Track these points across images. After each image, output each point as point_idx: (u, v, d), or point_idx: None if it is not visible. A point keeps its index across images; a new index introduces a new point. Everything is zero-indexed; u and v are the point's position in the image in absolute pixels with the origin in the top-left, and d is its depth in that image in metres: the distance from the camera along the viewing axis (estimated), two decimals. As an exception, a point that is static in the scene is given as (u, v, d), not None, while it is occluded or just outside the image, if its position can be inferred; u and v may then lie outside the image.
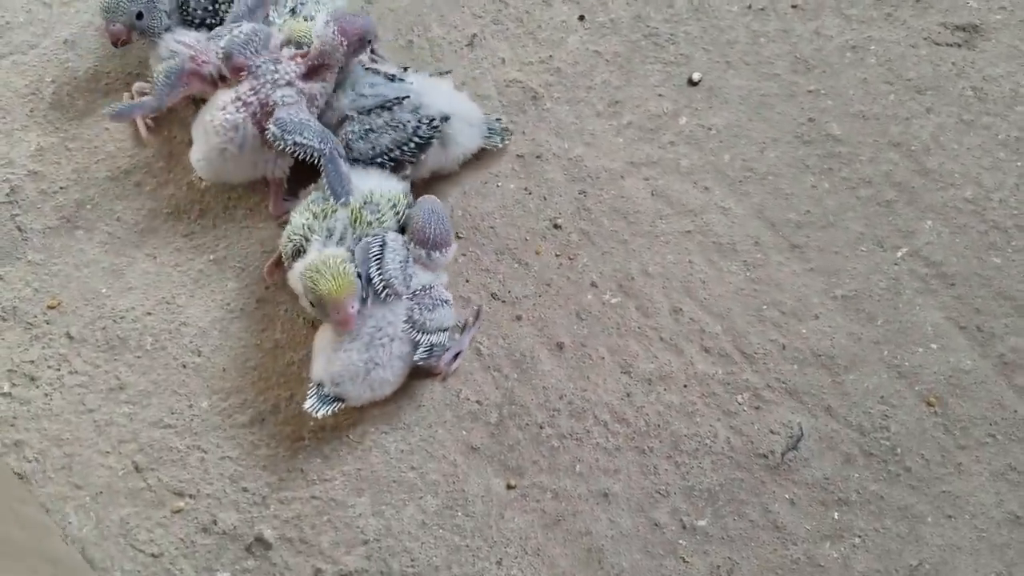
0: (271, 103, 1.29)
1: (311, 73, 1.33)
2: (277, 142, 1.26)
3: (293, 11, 1.44)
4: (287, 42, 1.36)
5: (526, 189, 1.49)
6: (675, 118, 1.57)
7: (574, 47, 1.63)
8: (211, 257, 1.40)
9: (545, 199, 1.49)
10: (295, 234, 1.24)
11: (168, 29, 1.42)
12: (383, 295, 1.19)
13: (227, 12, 1.42)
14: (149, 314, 1.35)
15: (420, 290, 1.24)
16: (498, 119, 1.52)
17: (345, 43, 1.31)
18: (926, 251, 1.45)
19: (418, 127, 1.37)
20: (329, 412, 1.20)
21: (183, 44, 1.39)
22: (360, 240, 1.23)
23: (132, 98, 1.50)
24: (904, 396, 1.34)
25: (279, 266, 1.33)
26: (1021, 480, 1.28)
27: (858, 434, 1.31)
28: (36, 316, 1.35)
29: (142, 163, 1.48)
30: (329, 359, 1.19)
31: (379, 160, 1.37)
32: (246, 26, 1.34)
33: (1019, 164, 1.53)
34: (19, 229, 1.42)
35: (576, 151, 1.52)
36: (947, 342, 1.38)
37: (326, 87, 1.34)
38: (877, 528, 1.25)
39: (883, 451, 1.30)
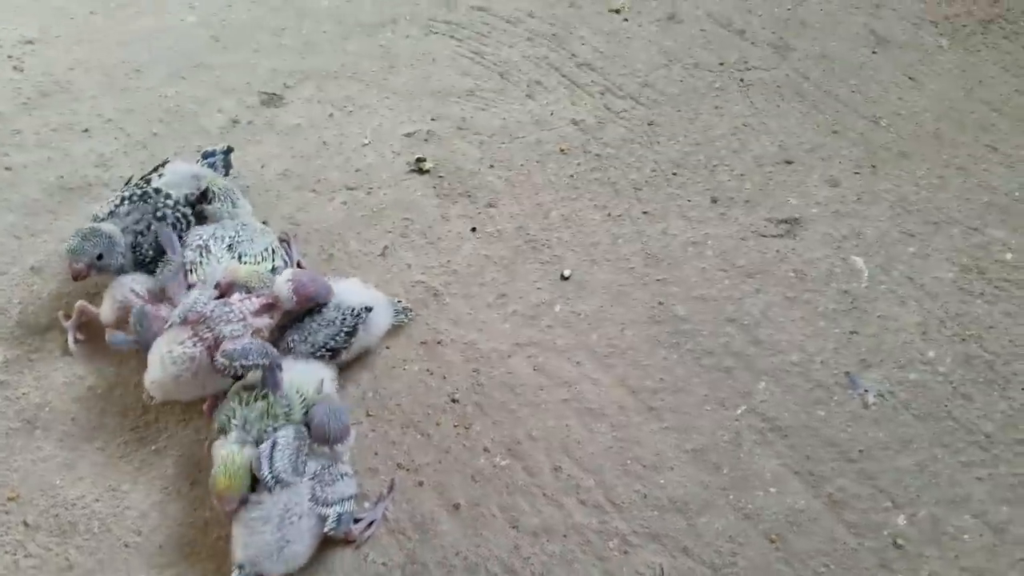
0: (221, 337, 1.56)
1: (261, 311, 1.62)
2: (226, 369, 1.53)
3: (230, 247, 1.73)
4: (231, 283, 1.62)
5: (428, 370, 1.78)
6: (551, 306, 1.89)
7: (468, 252, 1.97)
8: (153, 447, 1.63)
9: (444, 378, 1.77)
10: (223, 413, 1.50)
11: (122, 269, 1.70)
12: (274, 487, 1.42)
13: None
14: (97, 500, 1.55)
15: (320, 469, 1.47)
16: (399, 301, 1.84)
17: (296, 301, 1.62)
18: (761, 408, 1.75)
19: (344, 319, 1.67)
20: None
21: (134, 294, 1.65)
22: (269, 430, 1.48)
23: (66, 319, 1.75)
24: (749, 535, 1.58)
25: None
26: (853, 602, 1.51)
27: (711, 571, 1.54)
28: (-2, 507, 1.55)
29: (94, 370, 1.73)
30: (246, 543, 1.39)
31: (318, 353, 1.65)
32: (194, 294, 1.60)
33: (836, 331, 1.87)
34: None
35: (471, 336, 1.83)
36: (783, 486, 1.64)
37: (270, 323, 1.64)
38: (732, 651, 1.45)
39: (734, 583, 1.52)
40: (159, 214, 1.72)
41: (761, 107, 2.33)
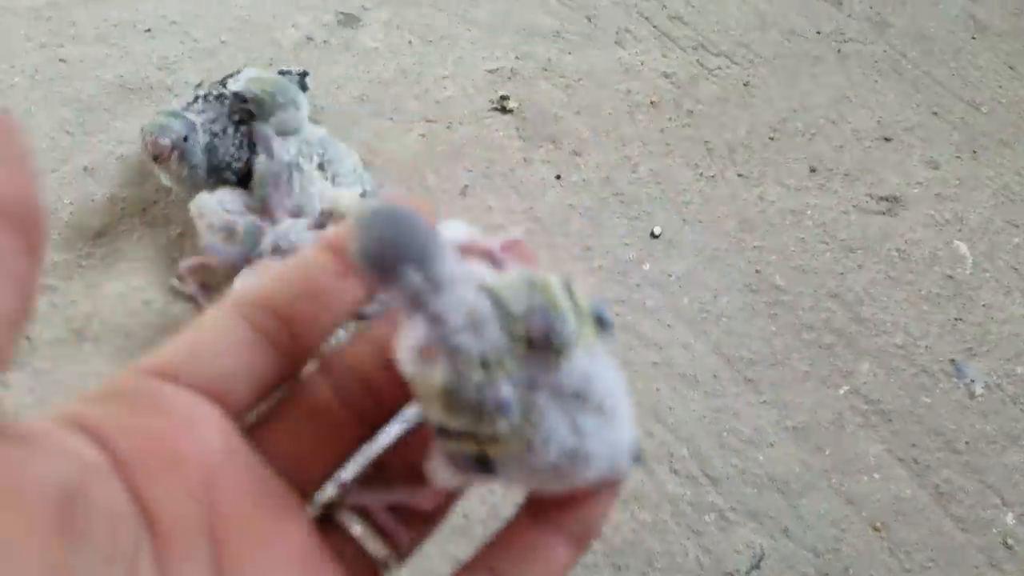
0: None
1: None
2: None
3: (321, 166, 1.55)
4: (331, 213, 1.45)
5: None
6: (640, 264, 1.75)
7: (552, 201, 1.83)
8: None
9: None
10: None
11: (196, 172, 1.50)
12: None
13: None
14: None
15: None
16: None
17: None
18: (865, 389, 1.62)
19: None
20: None
21: (232, 213, 1.46)
22: None
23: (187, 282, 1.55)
24: (852, 521, 1.46)
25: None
26: (962, 602, 1.39)
27: (813, 555, 1.42)
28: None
29: (153, 281, 1.58)
30: None
31: None
32: (287, 222, 1.44)
33: (940, 316, 1.74)
34: (27, 339, 1.48)
35: (554, 289, 1.69)
36: (888, 472, 1.52)
37: None
38: (835, 645, 1.33)
39: (836, 571, 1.40)
40: (234, 117, 1.55)
41: (858, 80, 2.19)
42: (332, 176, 1.54)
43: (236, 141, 1.53)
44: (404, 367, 0.34)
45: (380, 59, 1.99)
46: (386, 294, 0.34)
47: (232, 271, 1.45)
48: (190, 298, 1.54)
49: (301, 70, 1.77)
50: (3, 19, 1.87)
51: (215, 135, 1.51)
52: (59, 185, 1.63)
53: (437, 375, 0.33)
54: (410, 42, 2.04)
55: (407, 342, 0.34)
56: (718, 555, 1.40)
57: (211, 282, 1.54)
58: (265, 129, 1.51)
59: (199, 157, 1.50)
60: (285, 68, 1.77)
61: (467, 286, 0.35)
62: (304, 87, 1.75)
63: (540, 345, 0.34)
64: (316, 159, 1.53)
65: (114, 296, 1.55)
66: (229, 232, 1.47)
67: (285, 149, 1.51)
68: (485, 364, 0.33)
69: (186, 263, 1.52)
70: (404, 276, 0.33)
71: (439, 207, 1.77)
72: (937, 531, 1.47)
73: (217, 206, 1.49)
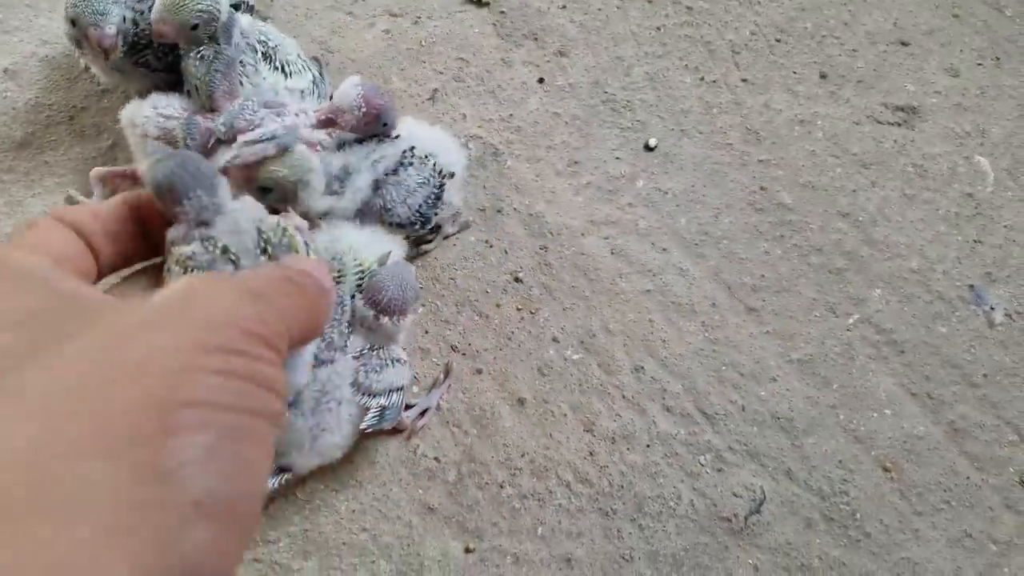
0: None
1: (320, 124, 1.26)
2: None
3: (265, 56, 1.35)
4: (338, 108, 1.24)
5: (487, 242, 1.46)
6: (633, 180, 1.58)
7: (534, 107, 1.63)
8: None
9: (506, 252, 1.46)
10: None
11: (126, 57, 1.30)
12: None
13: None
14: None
15: (367, 349, 1.16)
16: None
17: (362, 112, 1.23)
18: (876, 319, 1.47)
19: (431, 177, 1.32)
20: (275, 485, 1.10)
21: (168, 116, 1.27)
22: None
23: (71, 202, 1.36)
24: (861, 461, 1.33)
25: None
26: (976, 547, 1.28)
27: (818, 498, 1.29)
28: None
29: (83, 191, 1.39)
30: None
31: (412, 220, 1.30)
32: (238, 101, 1.25)
33: (959, 238, 1.59)
34: None
35: (537, 207, 1.51)
36: (900, 408, 1.39)
37: (328, 140, 1.28)
38: (840, 595, 1.22)
39: (843, 516, 1.28)
40: None
41: (874, -23, 1.98)
42: (280, 65, 1.33)
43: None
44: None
45: (340, -55, 1.75)
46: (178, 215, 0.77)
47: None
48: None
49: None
50: None
51: (139, 13, 1.29)
52: (-28, 88, 1.42)
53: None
54: (375, -74, 1.80)
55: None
56: (714, 499, 1.27)
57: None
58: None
59: (128, 39, 1.28)
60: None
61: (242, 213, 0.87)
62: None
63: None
64: (259, 48, 1.31)
65: (39, 214, 1.35)
66: (168, 140, 1.27)
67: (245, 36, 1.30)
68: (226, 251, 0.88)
69: (111, 169, 1.33)
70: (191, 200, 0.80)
71: (404, 113, 1.57)
72: (951, 470, 1.35)
73: (152, 112, 1.28)
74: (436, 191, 1.32)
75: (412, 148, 1.31)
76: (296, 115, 1.23)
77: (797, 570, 1.23)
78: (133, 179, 1.36)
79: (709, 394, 1.36)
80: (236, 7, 1.34)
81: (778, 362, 1.41)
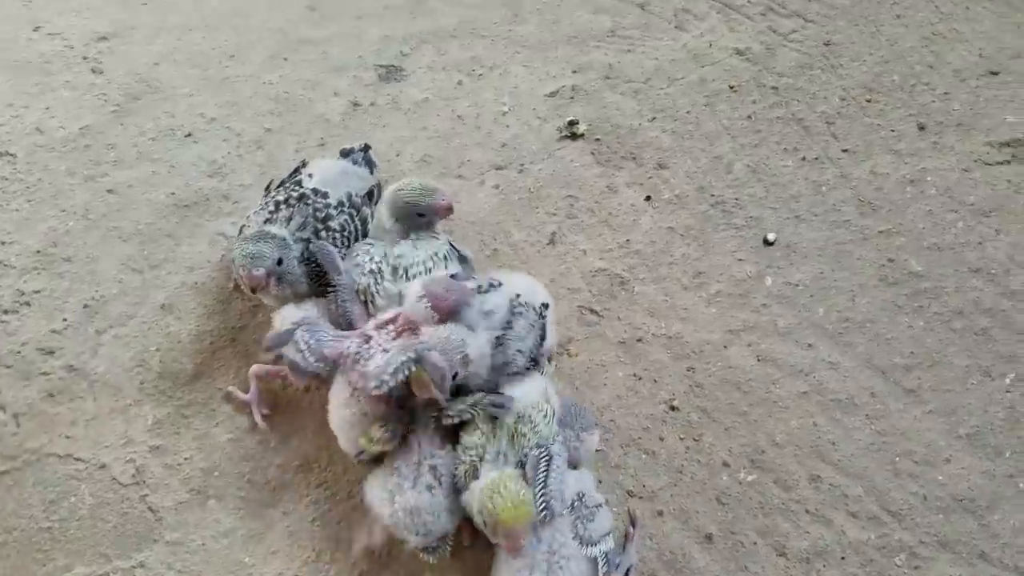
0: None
1: (401, 335, 1.32)
2: (380, 387, 1.26)
3: (395, 269, 1.41)
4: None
5: (635, 375, 1.52)
6: (760, 280, 1.61)
7: (647, 227, 1.69)
8: (351, 503, 1.40)
9: (656, 382, 1.51)
10: (469, 451, 1.24)
11: (297, 283, 1.42)
12: (542, 516, 1.18)
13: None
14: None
15: (575, 501, 1.23)
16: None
17: (437, 318, 1.30)
18: (1035, 373, 1.47)
19: (536, 321, 1.37)
20: None
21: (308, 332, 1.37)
22: (522, 454, 1.23)
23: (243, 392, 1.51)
24: (1055, 529, 1.33)
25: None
26: None
27: (1016, 574, 1.30)
28: (189, 597, 1.34)
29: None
30: None
31: (527, 366, 1.36)
32: (298, 332, 1.35)
33: (1098, 271, 1.57)
34: (151, 510, 1.40)
35: (674, 328, 1.56)
36: (1081, 465, 1.38)
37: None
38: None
39: (1049, 590, 1.28)
40: (320, 215, 1.44)
41: (948, 11, 1.97)
42: (404, 271, 1.42)
43: (333, 240, 1.45)
44: None
45: (432, 109, 1.85)
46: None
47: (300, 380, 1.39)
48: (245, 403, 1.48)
49: (362, 144, 1.64)
50: (39, 156, 1.77)
51: (307, 241, 1.41)
52: (141, 332, 1.55)
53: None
54: (459, 82, 1.89)
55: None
56: (919, 599, 1.29)
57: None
58: (326, 248, 1.40)
59: (297, 272, 1.41)
60: (347, 147, 1.64)
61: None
62: (371, 162, 1.64)
63: None
64: (391, 261, 1.42)
65: (226, 443, 1.47)
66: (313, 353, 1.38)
67: (369, 256, 1.41)
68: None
69: (268, 368, 1.45)
70: None
71: (528, 262, 1.65)
72: None
73: (298, 316, 1.41)
74: (541, 332, 1.38)
75: (518, 295, 1.37)
76: (378, 333, 1.32)
77: (1018, 657, 1.24)
78: (285, 378, 1.47)
79: (889, 490, 1.38)
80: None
81: (947, 440, 1.42)
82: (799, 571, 1.32)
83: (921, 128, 1.79)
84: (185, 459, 1.44)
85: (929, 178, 1.71)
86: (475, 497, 1.19)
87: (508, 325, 1.32)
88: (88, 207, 1.69)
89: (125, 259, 1.64)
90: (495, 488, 1.15)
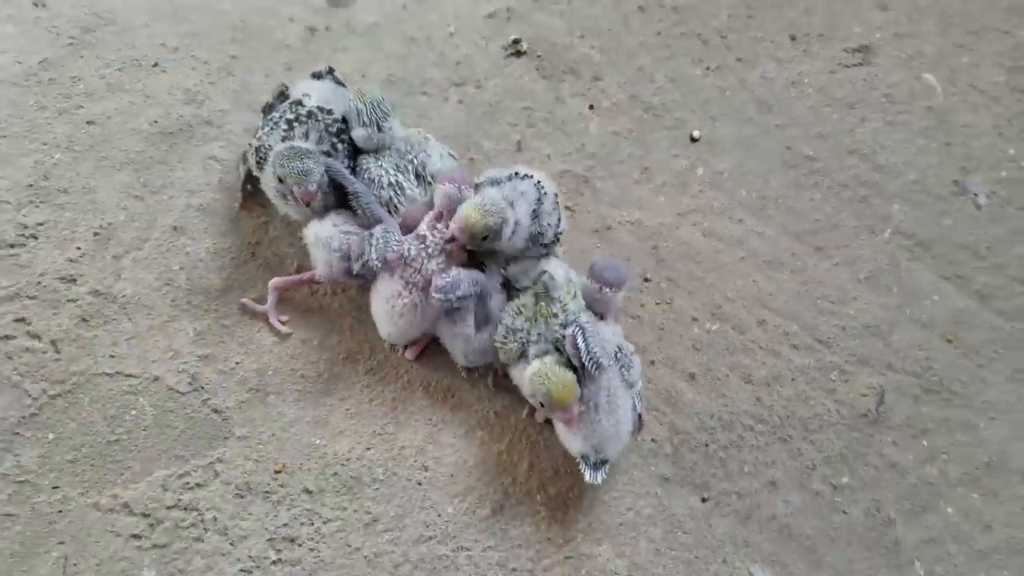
0: (429, 274, 1.47)
1: (448, 243, 1.49)
2: (444, 303, 1.45)
3: (418, 176, 1.55)
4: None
5: (612, 256, 1.78)
6: (693, 171, 1.91)
7: (595, 132, 1.93)
8: (398, 383, 1.56)
9: (629, 260, 1.78)
10: (512, 341, 1.45)
11: (327, 196, 1.52)
12: (595, 372, 1.41)
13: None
14: (368, 449, 1.48)
15: (618, 352, 1.47)
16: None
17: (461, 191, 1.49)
18: (903, 227, 1.89)
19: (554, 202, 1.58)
20: (601, 477, 1.41)
21: (350, 234, 1.51)
22: (559, 324, 1.44)
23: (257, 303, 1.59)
24: (932, 342, 1.76)
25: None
26: (1025, 376, 1.74)
27: (915, 378, 1.72)
28: (269, 484, 1.44)
29: (301, 323, 1.59)
30: (586, 435, 1.41)
31: (553, 239, 1.56)
32: (377, 231, 1.48)
33: (934, 145, 2.02)
34: (215, 411, 1.48)
35: (635, 215, 1.83)
36: (941, 292, 1.82)
37: (460, 246, 1.50)
38: (952, 442, 1.65)
39: (934, 386, 1.71)
40: (332, 129, 1.53)
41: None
42: (430, 178, 1.57)
43: (346, 153, 1.55)
44: None
45: (384, 33, 1.95)
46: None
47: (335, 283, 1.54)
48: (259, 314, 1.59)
49: (327, 67, 1.73)
50: (2, 91, 1.67)
51: (327, 154, 1.50)
52: (159, 253, 1.57)
53: None
54: (404, 6, 1.99)
55: None
56: (851, 404, 1.67)
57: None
58: (335, 164, 1.51)
59: (326, 184, 1.50)
60: (315, 70, 1.72)
61: None
62: (340, 82, 1.73)
63: None
64: (411, 169, 1.56)
65: (271, 345, 1.56)
66: (344, 254, 1.51)
67: (383, 168, 1.53)
68: None
69: (286, 279, 1.56)
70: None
71: (499, 164, 1.83)
72: (991, 327, 1.80)
73: (334, 230, 1.51)
74: (558, 214, 1.59)
75: (539, 181, 1.56)
76: (432, 232, 1.50)
77: (921, 435, 1.65)
78: (309, 284, 1.59)
79: (817, 325, 1.75)
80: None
81: (852, 284, 1.81)
82: (764, 392, 1.66)
83: (793, 39, 2.15)
84: (236, 363, 1.52)
85: (806, 80, 2.09)
86: (526, 381, 1.43)
87: (539, 202, 1.52)
88: (71, 139, 1.65)
89: (123, 187, 1.63)
90: (543, 376, 1.40)
